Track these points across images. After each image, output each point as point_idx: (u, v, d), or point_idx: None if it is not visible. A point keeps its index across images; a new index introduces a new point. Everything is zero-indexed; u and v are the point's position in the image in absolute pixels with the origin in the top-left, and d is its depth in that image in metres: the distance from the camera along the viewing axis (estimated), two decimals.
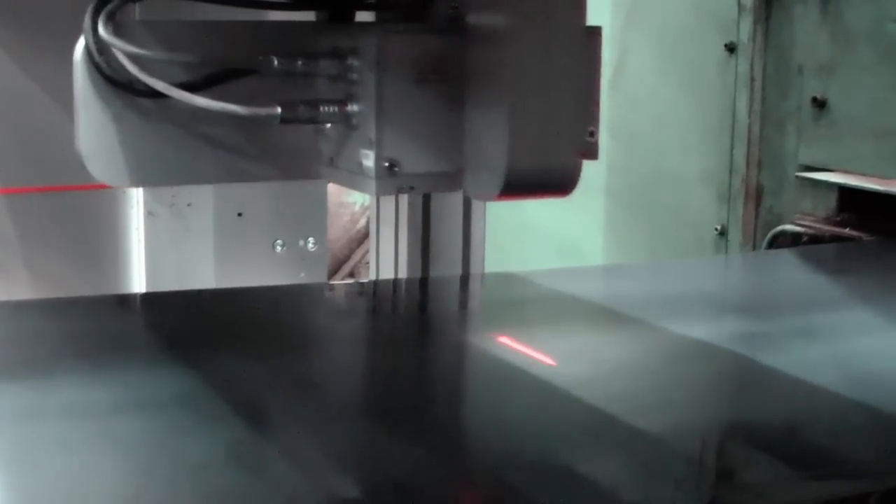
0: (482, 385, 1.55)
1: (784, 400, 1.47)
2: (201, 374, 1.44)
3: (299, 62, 1.47)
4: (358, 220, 5.05)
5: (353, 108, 1.47)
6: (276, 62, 1.46)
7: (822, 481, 1.25)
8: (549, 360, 1.59)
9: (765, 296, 2.09)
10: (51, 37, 2.16)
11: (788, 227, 2.65)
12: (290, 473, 1.18)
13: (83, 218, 2.40)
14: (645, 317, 1.77)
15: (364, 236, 4.93)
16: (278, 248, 2.60)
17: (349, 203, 5.08)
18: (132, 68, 1.43)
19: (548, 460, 1.25)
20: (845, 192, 2.54)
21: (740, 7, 2.75)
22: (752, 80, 2.74)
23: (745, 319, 1.88)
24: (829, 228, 2.55)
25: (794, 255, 2.46)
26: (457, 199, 2.68)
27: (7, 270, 2.34)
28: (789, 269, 2.32)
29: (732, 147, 2.81)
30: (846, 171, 2.56)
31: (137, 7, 1.50)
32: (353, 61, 1.46)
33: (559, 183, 1.45)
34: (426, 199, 2.72)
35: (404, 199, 2.74)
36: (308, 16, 1.62)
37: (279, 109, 1.45)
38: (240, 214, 2.55)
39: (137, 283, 2.47)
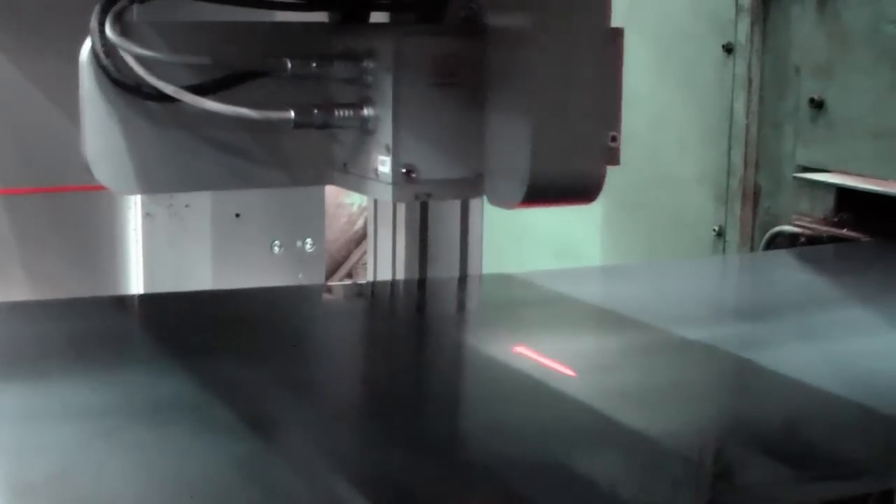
0: (481, 386, 1.55)
1: (782, 401, 1.47)
2: (199, 375, 1.44)
3: (313, 64, 1.43)
4: (356, 221, 5.05)
5: (368, 112, 1.42)
6: (289, 64, 1.42)
7: (820, 482, 1.26)
8: (547, 361, 1.59)
9: (762, 297, 2.09)
10: (48, 37, 2.16)
11: (786, 227, 2.65)
12: (289, 474, 1.18)
13: (81, 219, 2.40)
14: (643, 318, 1.77)
15: (362, 237, 4.92)
16: (276, 249, 2.60)
17: (347, 204, 5.08)
18: (140, 71, 1.39)
19: (547, 462, 1.25)
20: (843, 193, 2.54)
21: (738, 8, 2.75)
22: (750, 80, 2.74)
23: (742, 320, 1.88)
24: (826, 229, 2.55)
25: (792, 256, 2.46)
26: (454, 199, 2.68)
27: (5, 271, 2.34)
28: (787, 269, 2.32)
29: (730, 148, 2.81)
30: (844, 172, 2.56)
31: (135, 8, 1.45)
32: (369, 64, 1.42)
33: (584, 190, 1.40)
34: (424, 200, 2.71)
35: None
36: (318, 17, 1.58)
37: (293, 114, 1.41)
38: (237, 215, 2.55)
39: (135, 284, 2.47)
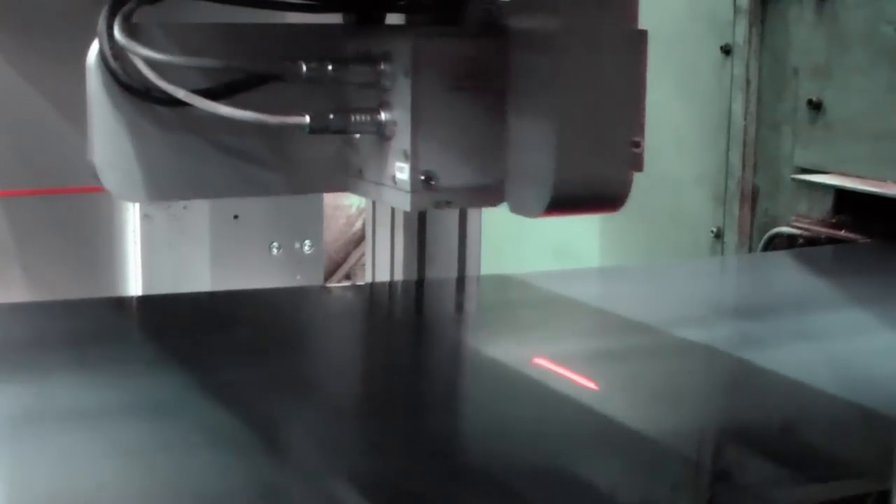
0: (479, 387, 1.55)
1: (780, 401, 1.47)
2: (198, 376, 1.44)
3: (329, 68, 1.38)
4: (354, 222, 5.05)
5: (385, 116, 1.37)
6: (304, 68, 1.37)
7: (818, 482, 1.26)
8: (546, 362, 1.59)
9: (761, 297, 2.09)
10: (46, 39, 2.16)
11: (784, 229, 2.65)
12: (289, 475, 1.18)
13: (79, 220, 2.40)
14: (641, 318, 1.77)
15: (360, 238, 4.92)
16: (274, 251, 2.60)
17: (345, 206, 5.08)
18: (150, 74, 1.34)
19: (546, 462, 1.25)
20: (841, 195, 2.54)
21: (736, 9, 2.75)
22: (748, 82, 2.74)
23: (741, 321, 1.88)
24: (825, 230, 2.55)
25: (790, 257, 2.46)
26: None
27: (3, 273, 2.34)
28: (785, 271, 2.32)
29: (728, 149, 2.81)
30: (842, 174, 2.56)
31: (142, 9, 1.40)
32: (386, 67, 1.37)
33: (609, 198, 1.35)
34: None
35: None
36: (331, 19, 1.53)
37: (308, 118, 1.36)
38: (236, 217, 2.55)
39: (134, 285, 2.46)
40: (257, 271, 2.58)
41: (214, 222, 2.52)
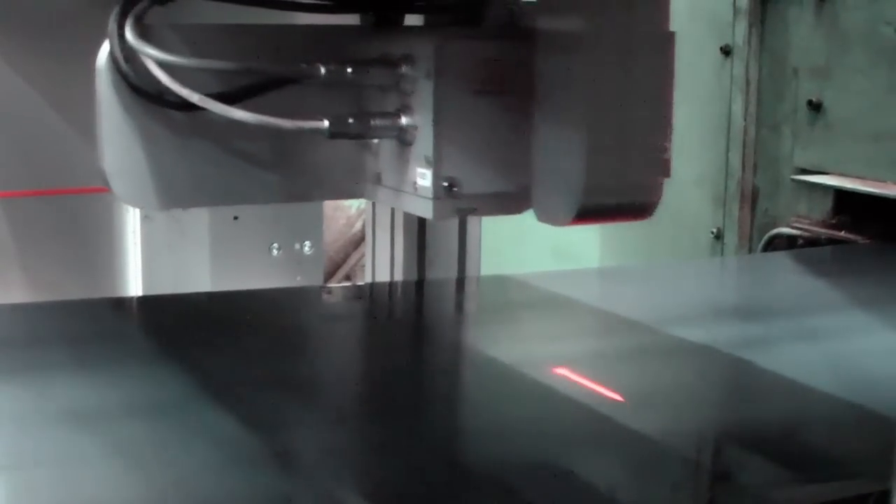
0: (479, 387, 1.55)
1: (781, 401, 1.47)
2: (198, 377, 1.44)
3: (348, 70, 1.33)
4: (354, 223, 5.05)
5: (406, 121, 1.33)
6: (322, 70, 1.33)
7: (819, 483, 1.26)
8: (546, 362, 1.59)
9: (761, 298, 2.09)
10: (46, 40, 2.16)
11: (784, 230, 2.65)
12: (289, 477, 1.18)
13: (79, 221, 2.40)
14: (640, 319, 1.77)
15: (360, 239, 4.92)
16: (274, 252, 2.60)
17: (345, 206, 5.08)
18: (163, 77, 1.29)
19: (546, 463, 1.25)
20: (841, 195, 2.54)
21: (735, 10, 2.75)
22: (748, 82, 2.74)
23: (741, 322, 1.88)
24: (824, 231, 2.55)
25: (790, 258, 2.46)
26: None
27: (3, 274, 2.34)
28: (785, 271, 2.32)
29: (728, 150, 2.81)
30: (842, 174, 2.56)
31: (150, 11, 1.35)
32: (407, 69, 1.33)
33: (640, 206, 1.31)
34: None
35: None
36: (346, 20, 1.48)
37: (327, 123, 1.31)
38: (236, 218, 2.55)
39: (134, 286, 2.46)
40: (257, 272, 2.58)
41: (214, 223, 2.52)
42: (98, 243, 2.44)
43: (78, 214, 2.39)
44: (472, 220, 2.75)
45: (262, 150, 1.41)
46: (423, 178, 1.31)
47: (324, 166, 1.44)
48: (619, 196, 1.29)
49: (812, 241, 2.56)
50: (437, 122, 1.29)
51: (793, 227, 2.63)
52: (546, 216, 1.33)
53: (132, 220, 2.44)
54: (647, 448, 1.31)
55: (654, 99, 1.28)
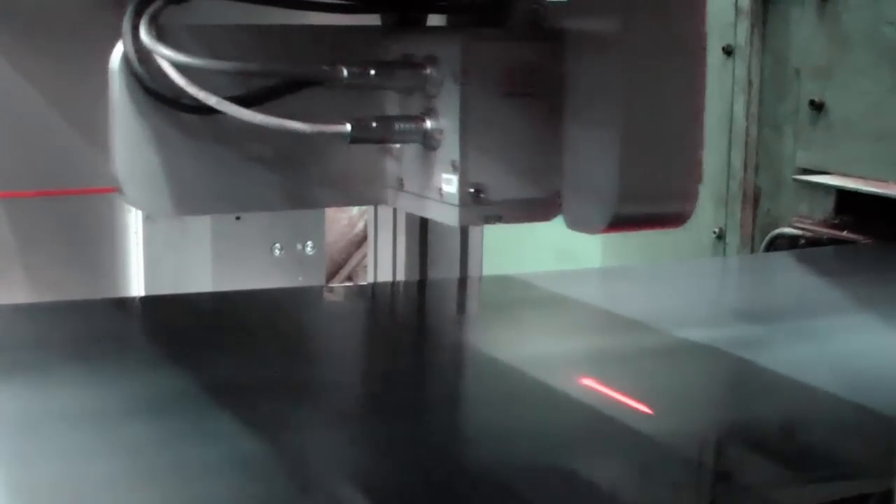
0: (482, 387, 1.55)
1: (782, 401, 1.47)
2: (200, 377, 1.44)
3: (371, 72, 1.28)
4: (356, 223, 5.05)
5: (431, 125, 1.28)
6: (345, 72, 1.27)
7: (821, 483, 1.26)
8: (548, 362, 1.59)
9: (763, 298, 2.09)
10: (48, 39, 2.16)
11: (786, 230, 2.65)
12: (292, 479, 1.18)
13: (81, 222, 2.40)
14: (643, 319, 1.77)
15: (362, 240, 4.92)
16: (276, 252, 2.60)
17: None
18: (179, 80, 1.24)
19: (548, 463, 1.25)
20: (843, 195, 2.54)
21: (737, 10, 2.75)
22: (750, 82, 2.74)
23: (743, 322, 1.88)
24: (826, 231, 2.55)
25: (792, 258, 2.46)
26: None
27: (5, 274, 2.34)
28: (787, 271, 2.32)
29: (730, 150, 2.81)
30: (844, 174, 2.56)
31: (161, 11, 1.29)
32: (432, 71, 1.28)
33: (675, 213, 1.29)
34: None
35: None
36: (362, 20, 1.44)
37: (349, 127, 1.26)
38: (238, 218, 2.55)
39: (136, 286, 2.46)
40: (259, 272, 2.58)
41: (216, 223, 2.52)
42: (100, 243, 2.44)
43: (80, 214, 2.39)
44: None
45: (280, 156, 1.37)
46: (449, 183, 1.27)
47: (343, 172, 1.40)
48: (655, 204, 1.26)
49: (814, 242, 2.56)
50: (464, 125, 1.25)
51: (795, 228, 2.63)
52: (577, 223, 1.29)
53: (134, 221, 2.44)
54: (648, 447, 1.31)
55: (690, 101, 1.24)
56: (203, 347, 1.61)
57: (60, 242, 2.40)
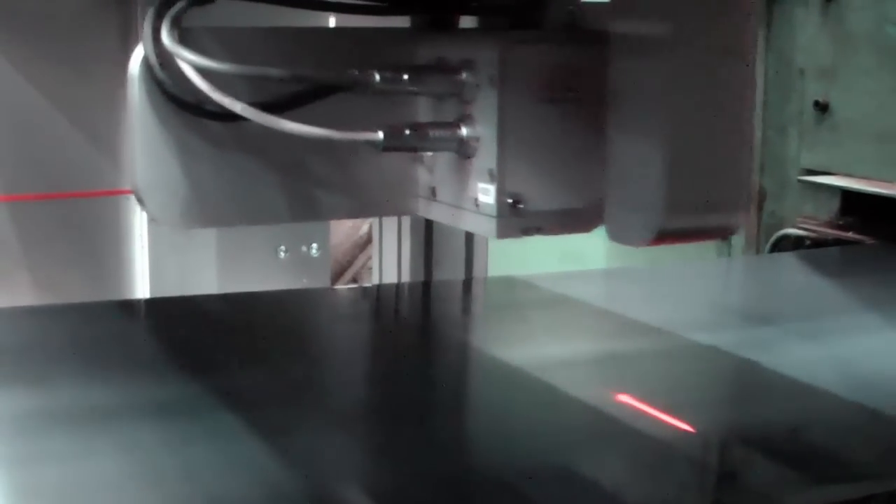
0: (488, 388, 1.55)
1: (788, 403, 1.47)
2: (205, 379, 1.44)
3: (404, 77, 1.22)
4: (361, 225, 5.05)
5: (467, 132, 1.22)
6: (377, 77, 1.21)
7: (826, 484, 1.25)
8: (552, 363, 1.58)
9: (768, 299, 2.09)
10: (53, 43, 2.16)
11: (791, 230, 2.65)
12: (294, 480, 1.18)
13: (87, 225, 2.41)
14: (647, 320, 1.77)
15: (367, 241, 4.92)
16: (281, 254, 2.61)
17: None
18: (203, 85, 1.18)
19: (551, 463, 1.25)
20: (848, 196, 2.54)
21: None
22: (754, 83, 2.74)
23: (748, 323, 1.88)
24: (831, 232, 2.55)
25: (797, 259, 2.46)
26: None
27: (11, 277, 2.34)
28: (792, 272, 2.31)
29: None
30: (848, 175, 2.56)
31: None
32: (468, 76, 1.22)
33: (723, 226, 1.22)
34: None
35: None
36: (389, 22, 1.37)
37: (381, 135, 1.20)
38: None
39: (141, 289, 2.47)
40: (264, 274, 2.58)
41: None
42: (105, 246, 2.44)
43: (85, 217, 2.40)
44: None
45: (306, 165, 1.31)
46: (486, 193, 1.21)
47: (373, 181, 1.34)
48: (702, 217, 1.19)
49: (819, 242, 2.56)
50: (502, 132, 1.19)
51: (800, 228, 2.63)
52: (620, 236, 1.22)
53: (139, 223, 2.44)
54: (653, 447, 1.31)
55: (740, 108, 1.17)
56: (208, 349, 1.61)
57: (65, 245, 2.40)
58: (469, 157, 1.24)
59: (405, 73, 1.23)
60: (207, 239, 2.51)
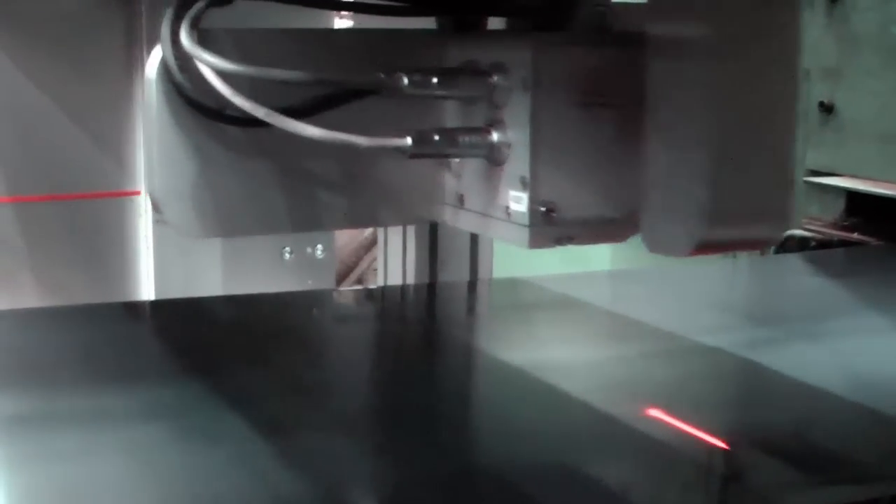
0: (493, 390, 1.55)
1: (794, 404, 1.46)
2: (210, 381, 1.44)
3: (434, 80, 1.17)
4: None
5: (498, 137, 1.18)
6: (405, 81, 1.16)
7: (831, 486, 1.25)
8: (556, 365, 1.58)
9: (773, 300, 2.08)
10: (57, 43, 2.16)
11: (796, 232, 2.64)
12: (298, 482, 1.18)
13: (91, 226, 2.40)
14: (652, 321, 1.77)
15: (372, 243, 4.92)
16: (286, 256, 2.60)
17: None
18: (224, 89, 1.13)
19: (555, 464, 1.24)
20: (853, 197, 2.54)
21: None
22: None
23: (753, 324, 1.88)
24: (837, 233, 2.55)
25: (802, 260, 2.46)
26: None
27: (15, 278, 2.34)
28: (797, 273, 2.31)
29: None
30: (854, 176, 2.56)
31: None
32: (499, 79, 1.18)
33: (766, 237, 1.19)
34: None
35: None
36: (414, 24, 1.32)
37: (409, 140, 1.15)
38: None
39: (146, 290, 2.47)
40: (269, 276, 2.58)
41: None
42: (110, 247, 2.44)
43: (89, 218, 2.40)
44: None
45: (330, 172, 1.26)
46: (518, 202, 1.17)
47: (398, 188, 1.30)
48: (746, 228, 1.14)
49: (824, 243, 2.55)
50: (535, 138, 1.15)
51: (805, 229, 2.62)
52: (658, 246, 1.17)
53: (144, 225, 2.44)
54: (658, 449, 1.30)
55: (784, 114, 1.13)
56: (213, 351, 1.61)
57: (69, 246, 2.40)
58: (500, 164, 1.20)
59: (434, 76, 1.19)
60: (212, 241, 2.51)
